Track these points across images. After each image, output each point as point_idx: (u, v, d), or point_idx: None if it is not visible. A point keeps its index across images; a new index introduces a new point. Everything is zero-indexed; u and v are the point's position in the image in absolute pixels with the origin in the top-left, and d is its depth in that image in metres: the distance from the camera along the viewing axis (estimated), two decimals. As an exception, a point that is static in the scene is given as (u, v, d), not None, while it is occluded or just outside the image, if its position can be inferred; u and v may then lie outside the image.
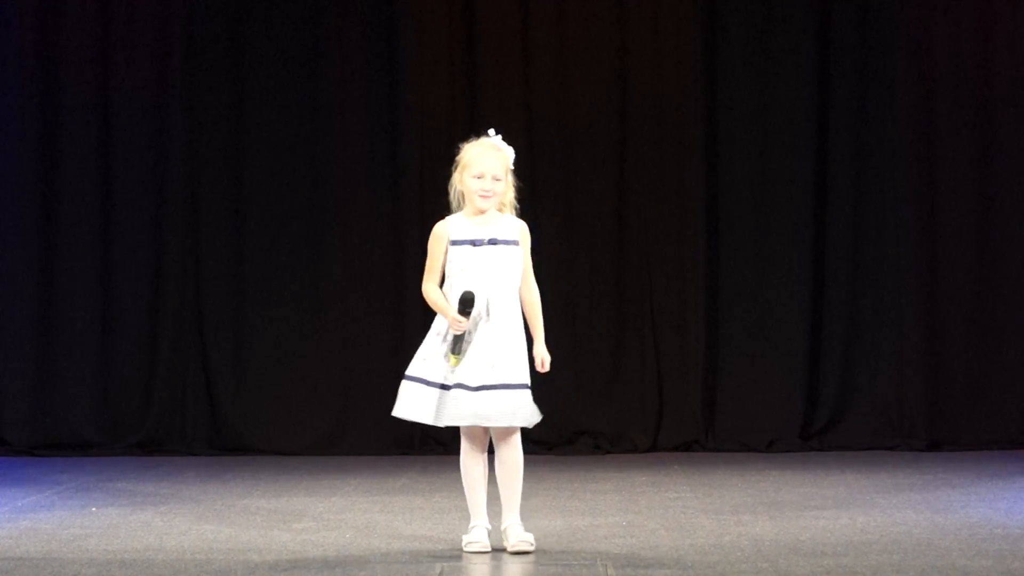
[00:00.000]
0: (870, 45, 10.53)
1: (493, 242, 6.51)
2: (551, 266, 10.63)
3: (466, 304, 6.40)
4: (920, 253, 10.50)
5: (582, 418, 10.55)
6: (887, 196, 10.51)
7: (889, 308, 10.51)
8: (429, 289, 6.51)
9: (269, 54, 10.64)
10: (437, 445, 10.48)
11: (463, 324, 6.40)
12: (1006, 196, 10.49)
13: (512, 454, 6.50)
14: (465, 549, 6.51)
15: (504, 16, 10.63)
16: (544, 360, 6.57)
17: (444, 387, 6.43)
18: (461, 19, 10.64)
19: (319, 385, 10.62)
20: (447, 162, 10.65)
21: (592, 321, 10.64)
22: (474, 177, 6.51)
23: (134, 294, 10.63)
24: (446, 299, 6.46)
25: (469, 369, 6.41)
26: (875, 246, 10.53)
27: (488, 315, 6.44)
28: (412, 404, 6.45)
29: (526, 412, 6.45)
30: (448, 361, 6.42)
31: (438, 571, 6.15)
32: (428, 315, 10.47)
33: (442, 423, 6.44)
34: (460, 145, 6.63)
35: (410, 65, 10.59)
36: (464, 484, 6.55)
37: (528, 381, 6.49)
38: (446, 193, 10.99)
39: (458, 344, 6.42)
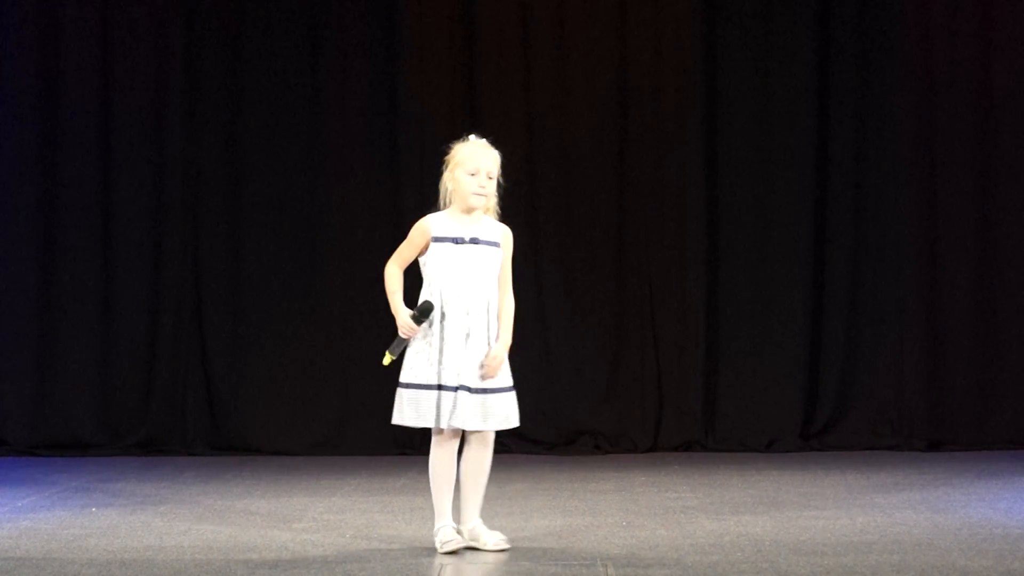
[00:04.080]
0: (870, 44, 10.53)
1: (475, 241, 6.50)
2: (551, 266, 10.64)
3: (425, 314, 6.42)
4: (920, 253, 10.50)
5: (582, 418, 10.55)
6: (887, 196, 10.51)
7: (889, 308, 10.52)
8: (391, 272, 6.55)
9: (269, 53, 10.64)
10: (437, 445, 10.48)
11: (414, 331, 6.44)
12: (1006, 196, 10.50)
13: (487, 455, 6.52)
14: (442, 550, 6.47)
15: (504, 16, 10.63)
16: (494, 360, 6.40)
17: (441, 388, 6.42)
18: (461, 19, 10.65)
19: (319, 385, 10.63)
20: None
21: (592, 321, 10.64)
22: (469, 174, 6.49)
23: (134, 294, 10.64)
24: (401, 292, 6.49)
25: (470, 371, 6.39)
26: (875, 246, 10.54)
27: (468, 315, 6.44)
28: (411, 410, 6.43)
29: (515, 415, 6.49)
30: (384, 358, 6.48)
31: (438, 571, 6.15)
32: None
33: (448, 425, 6.41)
34: (450, 145, 6.60)
35: (410, 65, 10.59)
36: (434, 484, 6.51)
37: (512, 383, 6.51)
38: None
39: (399, 348, 6.46)
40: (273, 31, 10.66)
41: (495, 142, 6.71)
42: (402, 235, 10.58)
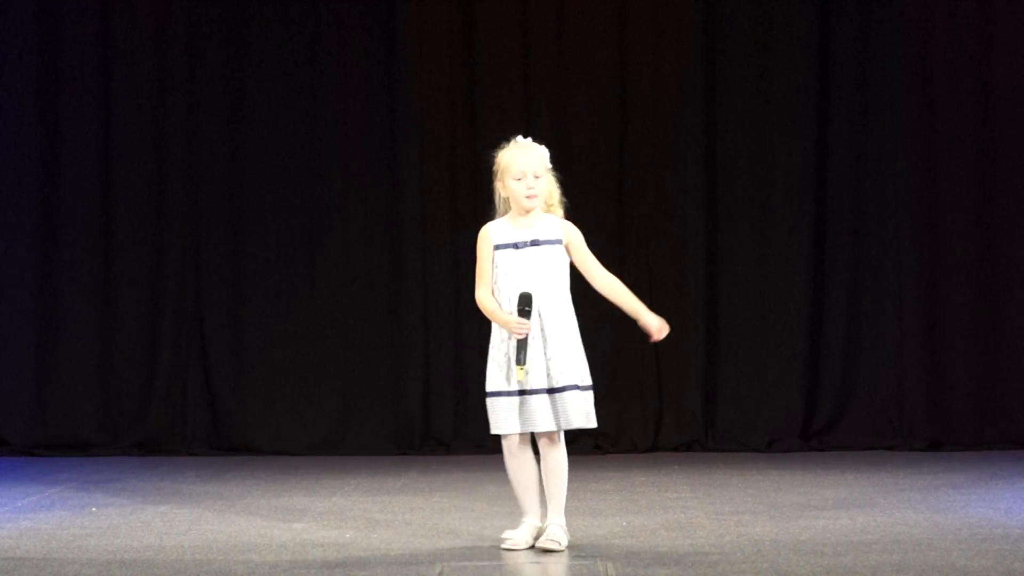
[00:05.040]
0: (870, 44, 10.52)
1: (535, 243, 6.56)
2: (551, 266, 10.63)
3: (526, 303, 6.43)
4: (920, 253, 10.50)
5: (582, 418, 10.52)
6: (887, 196, 10.50)
7: (889, 308, 10.51)
8: (483, 297, 6.54)
9: (269, 55, 10.63)
10: (438, 445, 10.48)
11: (527, 325, 6.43)
12: (1007, 195, 10.48)
13: (560, 456, 6.53)
14: (501, 546, 6.52)
15: (504, 17, 10.63)
16: (659, 328, 6.77)
17: (522, 393, 6.45)
18: (461, 19, 10.64)
19: (319, 385, 10.62)
20: (447, 163, 10.73)
21: (592, 321, 10.60)
22: (515, 179, 6.53)
23: (134, 294, 10.63)
24: (499, 307, 6.49)
25: (541, 373, 6.45)
26: (875, 246, 10.53)
27: (541, 317, 6.50)
28: (500, 418, 6.45)
29: (593, 413, 6.55)
30: (515, 373, 6.43)
31: (438, 571, 6.15)
32: (428, 314, 10.57)
33: (528, 430, 6.46)
34: (494, 154, 6.63)
35: (410, 65, 10.58)
36: (515, 486, 6.56)
37: (591, 381, 6.59)
38: (445, 194, 11.06)
39: (523, 352, 6.43)
40: (273, 31, 10.64)
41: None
42: (401, 234, 10.71)
